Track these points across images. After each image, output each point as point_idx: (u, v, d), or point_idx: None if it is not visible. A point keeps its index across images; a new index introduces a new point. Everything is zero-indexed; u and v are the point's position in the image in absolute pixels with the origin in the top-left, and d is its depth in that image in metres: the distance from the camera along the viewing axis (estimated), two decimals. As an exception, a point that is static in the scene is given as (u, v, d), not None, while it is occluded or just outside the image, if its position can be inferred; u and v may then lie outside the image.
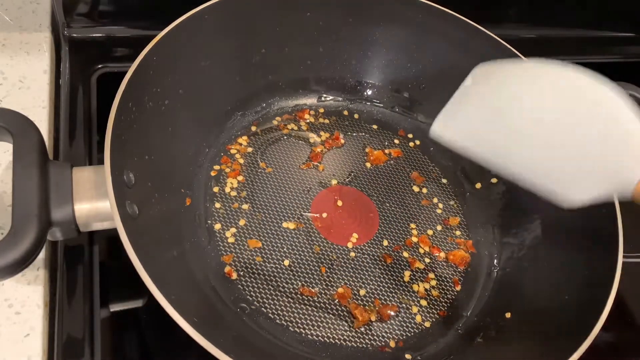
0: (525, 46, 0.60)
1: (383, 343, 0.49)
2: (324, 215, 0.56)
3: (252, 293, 0.49)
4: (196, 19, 0.52)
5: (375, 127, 0.65)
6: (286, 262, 0.52)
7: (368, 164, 0.61)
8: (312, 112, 0.64)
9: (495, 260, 0.56)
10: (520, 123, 0.37)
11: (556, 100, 0.36)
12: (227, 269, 0.50)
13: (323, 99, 0.65)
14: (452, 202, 0.60)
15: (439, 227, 0.58)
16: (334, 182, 0.59)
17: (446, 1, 0.60)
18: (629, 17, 0.85)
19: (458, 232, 0.58)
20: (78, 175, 0.41)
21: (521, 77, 0.39)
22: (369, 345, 0.49)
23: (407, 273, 0.54)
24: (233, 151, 0.58)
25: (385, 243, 0.55)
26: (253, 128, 0.61)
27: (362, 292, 0.51)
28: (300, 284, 0.51)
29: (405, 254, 0.55)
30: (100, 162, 0.40)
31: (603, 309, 0.42)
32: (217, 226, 0.53)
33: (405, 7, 0.61)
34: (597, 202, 0.35)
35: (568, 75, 0.36)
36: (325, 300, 0.50)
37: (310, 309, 0.49)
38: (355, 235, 0.55)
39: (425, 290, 0.53)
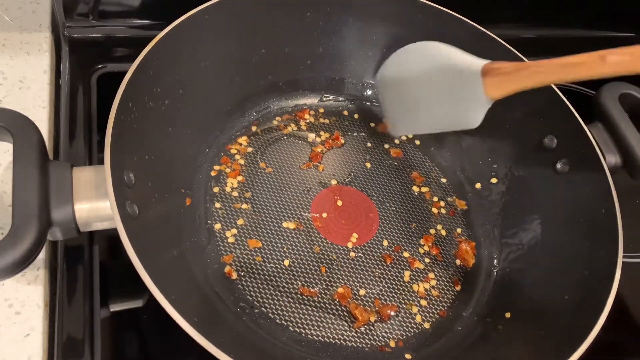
0: (525, 46, 0.60)
1: (383, 343, 0.49)
2: (324, 215, 0.56)
3: (252, 293, 0.49)
4: (196, 19, 0.52)
5: (375, 127, 0.65)
6: (286, 262, 0.52)
7: (368, 164, 0.61)
8: (312, 112, 0.64)
9: (495, 260, 0.56)
10: (416, 94, 0.53)
11: (422, 64, 0.52)
12: (227, 269, 0.50)
13: (323, 99, 0.65)
14: (452, 202, 0.60)
15: (439, 227, 0.58)
16: (334, 182, 0.59)
17: (446, 1, 0.60)
18: (629, 17, 0.85)
19: (459, 231, 0.58)
20: (78, 175, 0.41)
21: (401, 61, 0.55)
22: (369, 345, 0.49)
23: (407, 273, 0.54)
24: (233, 151, 0.58)
25: (385, 243, 0.55)
26: (253, 128, 0.61)
27: (362, 292, 0.51)
28: (300, 284, 0.51)
29: (405, 254, 0.55)
30: (101, 162, 0.40)
31: (603, 309, 0.42)
32: (217, 226, 0.53)
33: (406, 7, 0.61)
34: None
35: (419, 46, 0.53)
36: (325, 300, 0.50)
37: (310, 309, 0.49)
38: (355, 235, 0.55)
39: (425, 290, 0.53)
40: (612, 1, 0.83)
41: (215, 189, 0.55)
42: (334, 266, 0.52)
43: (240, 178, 0.56)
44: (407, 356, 0.48)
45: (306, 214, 0.55)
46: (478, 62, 0.47)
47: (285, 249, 0.52)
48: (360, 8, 0.61)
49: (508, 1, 0.78)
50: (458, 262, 0.55)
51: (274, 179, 0.57)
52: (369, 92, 0.66)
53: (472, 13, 0.60)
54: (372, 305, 0.51)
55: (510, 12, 0.79)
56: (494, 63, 0.46)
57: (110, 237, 0.49)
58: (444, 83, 0.49)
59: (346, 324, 0.49)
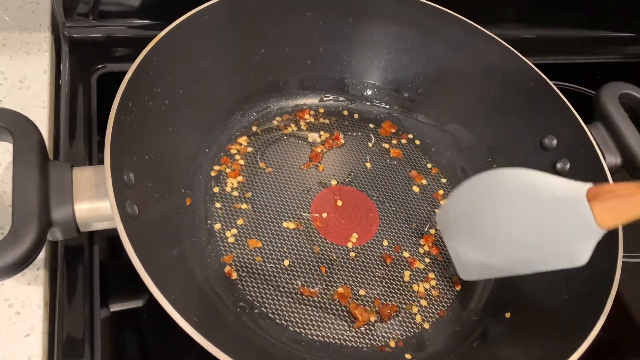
0: (525, 46, 0.60)
1: (383, 343, 0.49)
2: (324, 215, 0.56)
3: (252, 293, 0.49)
4: (196, 19, 0.52)
5: (375, 127, 0.65)
6: (286, 262, 0.52)
7: (368, 164, 0.61)
8: (312, 112, 0.64)
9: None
10: (494, 236, 0.45)
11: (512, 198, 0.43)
12: (227, 269, 0.50)
13: (323, 99, 0.65)
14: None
15: (439, 227, 0.58)
16: (333, 182, 0.59)
17: (446, 1, 0.60)
18: (629, 17, 0.85)
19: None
20: (78, 175, 0.41)
21: (468, 199, 0.47)
22: (368, 345, 0.49)
23: (407, 273, 0.54)
24: (233, 151, 0.58)
25: (385, 243, 0.55)
26: (253, 128, 0.61)
27: (362, 292, 0.51)
28: (300, 284, 0.51)
29: (406, 254, 0.55)
30: (101, 162, 0.40)
31: (603, 309, 0.42)
32: (217, 226, 0.53)
33: (405, 7, 0.61)
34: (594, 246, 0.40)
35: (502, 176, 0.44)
36: (325, 300, 0.50)
37: (310, 309, 0.49)
38: (355, 235, 0.55)
39: (425, 290, 0.53)
40: (612, 1, 0.83)
41: (215, 189, 0.55)
42: (334, 266, 0.52)
43: (240, 178, 0.56)
44: (407, 356, 0.48)
45: (306, 214, 0.55)
46: (579, 186, 0.39)
47: (285, 249, 0.52)
48: (360, 8, 0.61)
49: (508, 1, 0.78)
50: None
51: (274, 179, 0.57)
52: (369, 92, 0.66)
53: (472, 13, 0.60)
54: (372, 305, 0.51)
55: (510, 12, 0.79)
56: (602, 186, 0.39)
57: (110, 237, 0.49)
58: (534, 215, 0.41)
59: (346, 324, 0.49)
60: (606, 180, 0.50)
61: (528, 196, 0.42)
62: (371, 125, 0.65)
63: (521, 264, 0.44)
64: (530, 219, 0.42)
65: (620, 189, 0.38)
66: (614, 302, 0.43)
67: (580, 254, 0.40)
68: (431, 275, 0.54)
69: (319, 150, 0.61)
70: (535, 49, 0.65)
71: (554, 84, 0.56)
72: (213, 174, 0.56)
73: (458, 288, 0.54)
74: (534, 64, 0.58)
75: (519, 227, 0.42)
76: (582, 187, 0.39)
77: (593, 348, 0.41)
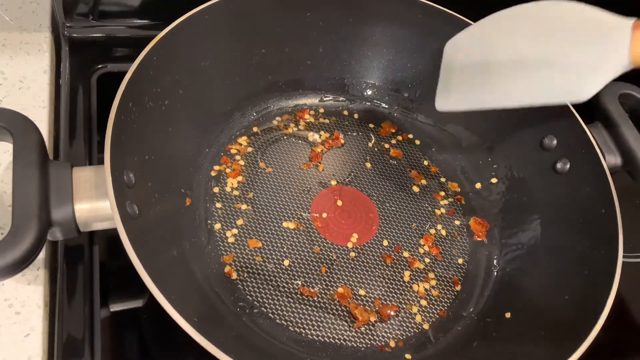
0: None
1: (383, 343, 0.49)
2: (324, 215, 0.56)
3: (252, 293, 0.49)
4: (196, 19, 0.52)
5: (375, 127, 0.65)
6: (286, 262, 0.52)
7: (368, 164, 0.61)
8: (312, 112, 0.64)
9: (495, 261, 0.56)
10: (507, 61, 0.41)
11: (529, 27, 0.40)
12: (227, 269, 0.50)
13: (323, 99, 0.65)
14: (452, 202, 0.60)
15: (439, 227, 0.58)
16: (333, 182, 0.59)
17: (446, 1, 0.60)
18: (628, 16, 0.85)
19: (459, 232, 0.58)
20: (78, 175, 0.41)
21: (490, 29, 0.44)
22: (368, 345, 0.49)
23: (407, 273, 0.54)
24: (233, 151, 0.58)
25: (385, 243, 0.55)
26: (253, 128, 0.61)
27: (362, 292, 0.51)
28: (300, 284, 0.51)
29: (405, 254, 0.55)
30: (101, 162, 0.40)
31: (603, 309, 0.42)
32: (217, 226, 0.53)
33: (405, 7, 0.61)
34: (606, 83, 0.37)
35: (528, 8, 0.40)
36: (325, 300, 0.50)
37: (310, 309, 0.49)
38: (355, 235, 0.55)
39: (425, 290, 0.53)
40: (612, 1, 0.83)
41: (216, 189, 0.55)
42: (334, 266, 0.52)
43: (240, 178, 0.56)
44: (407, 356, 0.48)
45: (306, 214, 0.55)
46: (625, 19, 0.38)
47: (285, 249, 0.52)
48: (360, 8, 0.61)
49: (508, 1, 0.78)
50: (460, 260, 0.55)
51: (274, 179, 0.57)
52: (369, 92, 0.66)
53: (472, 13, 0.60)
54: (372, 305, 0.51)
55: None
56: None
57: (110, 237, 0.49)
58: (563, 44, 0.39)
59: (346, 324, 0.49)
60: (607, 181, 0.50)
61: (563, 25, 0.39)
62: (371, 125, 0.65)
63: (521, 92, 0.42)
64: (557, 42, 0.39)
65: None
66: (614, 302, 0.43)
67: (587, 88, 0.38)
68: (431, 275, 0.54)
69: (319, 150, 0.61)
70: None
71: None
72: (213, 174, 0.56)
73: (458, 288, 0.54)
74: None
75: (541, 52, 0.40)
76: (629, 19, 0.37)
77: (593, 348, 0.41)
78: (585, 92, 0.38)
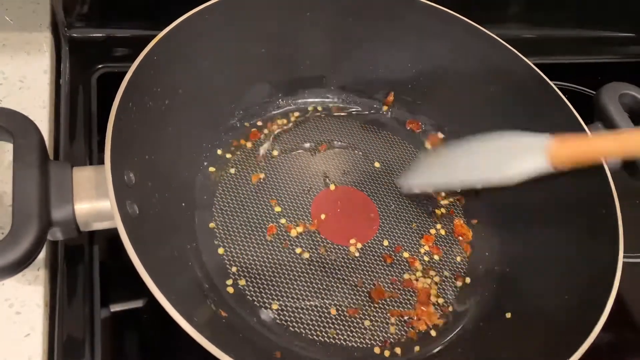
0: (525, 46, 0.60)
1: (382, 343, 0.49)
2: (324, 215, 0.56)
3: (252, 293, 0.49)
4: (196, 19, 0.52)
5: (377, 128, 0.65)
6: (286, 263, 0.52)
7: (368, 164, 0.61)
8: (311, 112, 0.64)
9: (495, 261, 0.56)
10: (461, 165, 0.55)
11: (484, 147, 0.53)
12: (228, 268, 0.50)
13: (323, 99, 0.65)
14: (452, 202, 0.60)
15: (439, 227, 0.58)
16: (333, 182, 0.59)
17: (446, 1, 0.60)
18: (629, 17, 0.85)
19: (458, 232, 0.58)
20: (78, 175, 0.41)
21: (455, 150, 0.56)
22: (368, 345, 0.49)
23: (407, 273, 0.54)
24: (234, 150, 0.58)
25: (386, 243, 0.55)
26: (252, 128, 0.61)
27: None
28: (300, 283, 0.51)
29: (406, 254, 0.55)
30: (101, 161, 0.40)
31: (603, 309, 0.42)
32: (218, 226, 0.53)
33: (406, 7, 0.61)
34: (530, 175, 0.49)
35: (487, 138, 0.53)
36: (325, 299, 0.50)
37: (310, 308, 0.49)
38: (355, 235, 0.55)
39: (425, 290, 0.53)
40: (612, 1, 0.83)
41: (215, 189, 0.55)
42: (334, 266, 0.52)
43: (239, 178, 0.56)
44: (407, 356, 0.48)
45: (306, 214, 0.55)
46: (544, 136, 0.49)
47: (285, 249, 0.52)
48: (360, 8, 0.61)
49: (508, 1, 0.78)
50: (459, 258, 0.55)
51: (274, 178, 0.57)
52: (369, 92, 0.66)
53: (472, 13, 0.60)
54: (372, 304, 0.51)
55: (510, 12, 0.79)
56: (563, 135, 0.49)
57: (111, 237, 0.49)
58: (499, 153, 0.52)
59: (346, 324, 0.49)
60: (607, 181, 0.50)
61: (499, 143, 0.52)
62: (371, 125, 0.65)
63: (469, 180, 0.54)
64: (494, 155, 0.52)
65: (572, 139, 0.48)
66: (615, 302, 0.43)
67: (516, 178, 0.50)
68: (431, 274, 0.54)
69: (318, 150, 0.61)
70: (535, 49, 0.65)
71: (554, 84, 0.56)
72: (213, 173, 0.56)
73: (458, 288, 0.54)
74: (534, 64, 0.58)
75: (484, 161, 0.53)
76: (546, 136, 0.49)
77: (593, 348, 0.41)
78: (514, 180, 0.50)
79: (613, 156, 0.50)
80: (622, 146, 0.47)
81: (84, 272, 0.47)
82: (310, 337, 0.48)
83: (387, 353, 0.49)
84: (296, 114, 0.63)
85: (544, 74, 0.57)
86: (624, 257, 0.46)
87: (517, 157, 0.50)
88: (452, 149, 0.57)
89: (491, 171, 0.51)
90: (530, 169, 0.49)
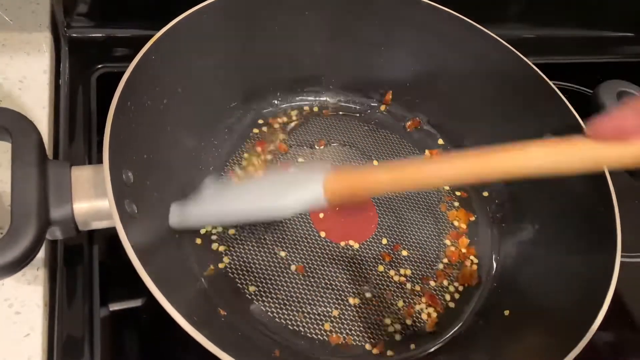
0: (525, 46, 0.60)
1: (380, 341, 0.49)
2: (323, 214, 0.56)
3: (251, 292, 0.49)
4: (194, 18, 0.51)
5: (374, 126, 0.65)
6: (286, 263, 0.52)
7: (368, 163, 0.61)
8: (310, 112, 0.64)
9: (494, 259, 0.56)
10: (241, 199, 0.50)
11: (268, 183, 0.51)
12: (226, 268, 0.50)
13: (322, 98, 0.65)
14: (451, 201, 0.60)
15: (438, 225, 0.58)
16: (333, 181, 0.58)
17: (446, 1, 0.60)
18: (629, 17, 0.85)
19: (458, 231, 0.58)
20: (77, 174, 0.41)
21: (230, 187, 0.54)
22: (367, 344, 0.49)
23: (405, 271, 0.54)
24: (232, 150, 0.58)
25: (384, 241, 0.55)
26: (251, 128, 0.61)
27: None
28: (299, 282, 0.51)
29: (404, 252, 0.55)
30: (100, 161, 0.40)
31: (601, 307, 0.42)
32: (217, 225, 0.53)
33: (405, 7, 0.60)
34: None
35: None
36: (325, 299, 0.50)
37: (310, 307, 0.49)
38: (354, 234, 0.55)
39: (425, 288, 0.53)
40: (612, 1, 0.83)
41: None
42: (333, 265, 0.52)
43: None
44: (406, 354, 0.48)
45: (304, 213, 0.55)
46: (321, 174, 0.47)
47: (284, 249, 0.52)
48: (360, 7, 0.61)
49: (508, 1, 0.78)
50: (457, 257, 0.56)
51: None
52: (368, 92, 0.66)
53: (472, 13, 0.60)
54: (370, 303, 0.51)
55: (510, 12, 0.79)
56: (338, 168, 0.48)
57: (110, 237, 0.49)
58: (277, 189, 0.49)
59: (346, 324, 0.49)
60: (605, 179, 0.50)
61: (281, 177, 0.51)
62: (370, 124, 0.65)
63: (247, 212, 0.50)
64: (272, 188, 0.49)
65: (344, 172, 0.47)
66: (614, 302, 0.43)
67: (294, 210, 0.48)
68: (431, 273, 0.54)
69: (318, 149, 0.61)
70: (535, 49, 0.65)
71: (554, 84, 0.56)
72: (212, 172, 0.56)
73: (457, 286, 0.54)
74: (534, 64, 0.58)
75: (262, 193, 0.50)
76: (323, 174, 0.46)
77: (593, 348, 0.41)
78: (288, 211, 0.48)
79: (389, 190, 0.49)
80: (394, 178, 0.44)
81: (84, 271, 0.47)
82: (309, 335, 0.48)
83: (384, 352, 0.49)
84: (295, 112, 0.63)
85: (544, 73, 0.57)
86: (624, 256, 0.46)
87: (293, 188, 0.47)
88: (236, 186, 0.55)
89: (268, 201, 0.48)
90: (304, 200, 0.46)
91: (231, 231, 0.53)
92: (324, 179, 0.45)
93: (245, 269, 0.51)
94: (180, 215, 0.49)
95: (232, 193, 0.51)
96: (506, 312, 0.50)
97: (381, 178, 0.44)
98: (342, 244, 0.54)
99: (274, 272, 0.51)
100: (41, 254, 0.44)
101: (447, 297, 0.53)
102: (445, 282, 0.54)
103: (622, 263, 0.45)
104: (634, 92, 0.58)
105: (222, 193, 0.51)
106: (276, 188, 0.49)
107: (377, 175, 0.45)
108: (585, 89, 0.74)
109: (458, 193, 0.61)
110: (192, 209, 0.49)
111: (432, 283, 0.54)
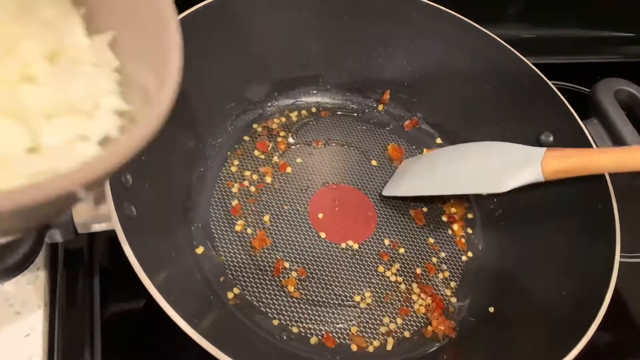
0: (525, 46, 0.60)
1: (383, 342, 0.49)
2: (322, 214, 0.56)
3: (251, 292, 0.49)
4: (190, 20, 0.51)
5: (374, 127, 0.65)
6: (286, 264, 0.52)
7: (367, 163, 0.61)
8: (309, 112, 0.64)
9: (493, 258, 0.56)
10: (450, 173, 0.55)
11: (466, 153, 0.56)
12: (226, 269, 0.50)
13: (321, 98, 0.65)
14: (451, 201, 0.60)
15: (438, 224, 0.58)
16: (332, 181, 0.59)
17: (446, 1, 0.60)
18: (629, 17, 0.85)
19: (457, 228, 0.58)
20: (76, 177, 0.41)
21: (442, 154, 0.59)
22: (366, 344, 0.49)
23: (405, 271, 0.54)
24: (231, 151, 0.58)
25: (385, 241, 0.55)
26: (250, 128, 0.61)
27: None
28: (299, 283, 0.51)
29: (402, 251, 0.55)
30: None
31: (601, 306, 0.42)
32: (216, 227, 0.53)
33: (404, 6, 0.60)
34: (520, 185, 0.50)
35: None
36: (324, 299, 0.50)
37: (309, 308, 0.50)
38: (353, 233, 0.55)
39: (424, 287, 0.53)
40: (612, 1, 0.83)
41: (213, 190, 0.55)
42: (333, 265, 0.53)
43: (238, 178, 0.56)
44: (406, 355, 0.49)
45: (304, 213, 0.55)
46: (539, 148, 0.50)
47: (284, 250, 0.53)
48: (357, 7, 0.61)
49: (508, 1, 0.78)
50: (457, 256, 0.56)
51: (273, 179, 0.57)
52: (367, 92, 0.66)
53: (472, 13, 0.60)
54: (370, 302, 0.51)
55: (509, 12, 0.79)
56: (556, 149, 0.49)
57: (110, 238, 0.49)
58: (499, 163, 0.52)
59: (346, 324, 0.49)
60: (603, 177, 0.50)
61: (491, 153, 0.54)
62: (368, 124, 0.65)
63: (459, 187, 0.55)
64: (486, 165, 0.53)
65: (573, 151, 0.48)
66: (614, 302, 0.43)
67: (508, 185, 0.50)
68: (431, 273, 0.54)
69: (317, 149, 0.61)
70: (535, 49, 0.65)
71: (553, 84, 0.56)
72: (210, 174, 0.56)
73: (456, 285, 0.54)
74: (533, 64, 0.58)
75: (475, 170, 0.54)
76: (542, 149, 0.49)
77: (593, 348, 0.41)
78: (505, 188, 0.50)
79: (608, 171, 0.49)
80: (618, 162, 0.46)
81: (84, 272, 0.47)
82: (309, 336, 0.48)
83: (384, 351, 0.49)
84: (293, 113, 0.63)
85: (543, 73, 0.57)
86: (623, 257, 0.46)
87: (512, 168, 0.50)
88: (439, 156, 0.58)
89: (484, 181, 0.52)
90: (524, 180, 0.49)
91: (230, 231, 0.53)
92: (543, 160, 0.48)
93: (245, 269, 0.51)
94: (393, 192, 0.56)
95: (440, 168, 0.56)
96: (506, 312, 0.50)
97: (604, 160, 0.47)
98: (342, 244, 0.54)
99: (274, 274, 0.51)
100: (42, 255, 0.45)
101: (447, 297, 0.53)
102: (444, 282, 0.54)
103: (621, 263, 0.45)
104: (632, 91, 0.58)
105: (429, 168, 0.56)
106: (491, 166, 0.52)
107: (600, 157, 0.47)
108: (584, 89, 0.74)
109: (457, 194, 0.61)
110: (402, 187, 0.56)
111: (431, 282, 0.54)
